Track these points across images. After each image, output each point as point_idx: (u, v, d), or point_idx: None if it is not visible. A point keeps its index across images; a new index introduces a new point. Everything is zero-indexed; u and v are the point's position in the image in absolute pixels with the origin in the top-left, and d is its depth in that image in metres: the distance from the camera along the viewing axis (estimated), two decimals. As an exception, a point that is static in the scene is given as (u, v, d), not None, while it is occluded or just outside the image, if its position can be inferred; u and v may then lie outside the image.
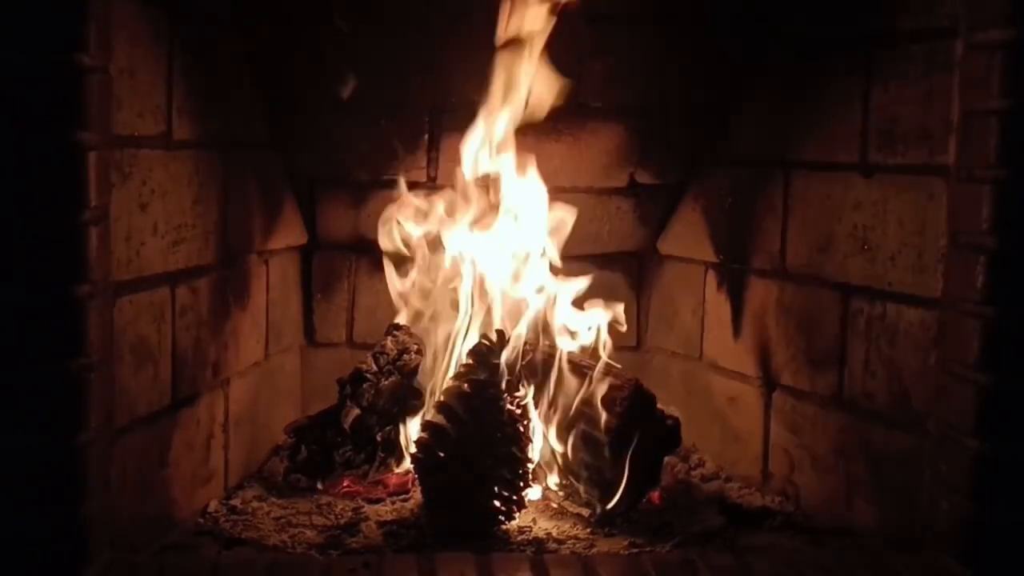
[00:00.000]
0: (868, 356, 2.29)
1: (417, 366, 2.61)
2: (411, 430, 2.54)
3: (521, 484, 2.31)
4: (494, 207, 2.66)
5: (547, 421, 2.45)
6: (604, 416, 2.36)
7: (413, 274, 2.72)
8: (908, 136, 2.18)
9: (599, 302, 2.58)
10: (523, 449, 2.33)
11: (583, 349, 2.52)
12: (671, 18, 2.66)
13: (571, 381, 2.43)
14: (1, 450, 1.80)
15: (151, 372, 2.11)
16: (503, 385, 2.35)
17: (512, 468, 2.30)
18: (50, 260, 1.80)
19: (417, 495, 2.43)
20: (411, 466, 2.40)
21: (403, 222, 2.70)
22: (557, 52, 2.55)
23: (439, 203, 2.69)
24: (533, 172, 2.63)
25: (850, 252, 2.34)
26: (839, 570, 2.05)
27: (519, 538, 2.26)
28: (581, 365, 2.46)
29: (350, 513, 2.38)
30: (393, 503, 2.45)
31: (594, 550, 2.22)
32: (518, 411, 2.35)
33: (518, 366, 2.41)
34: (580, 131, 2.84)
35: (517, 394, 2.38)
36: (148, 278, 2.09)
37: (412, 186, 2.77)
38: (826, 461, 2.41)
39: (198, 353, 2.32)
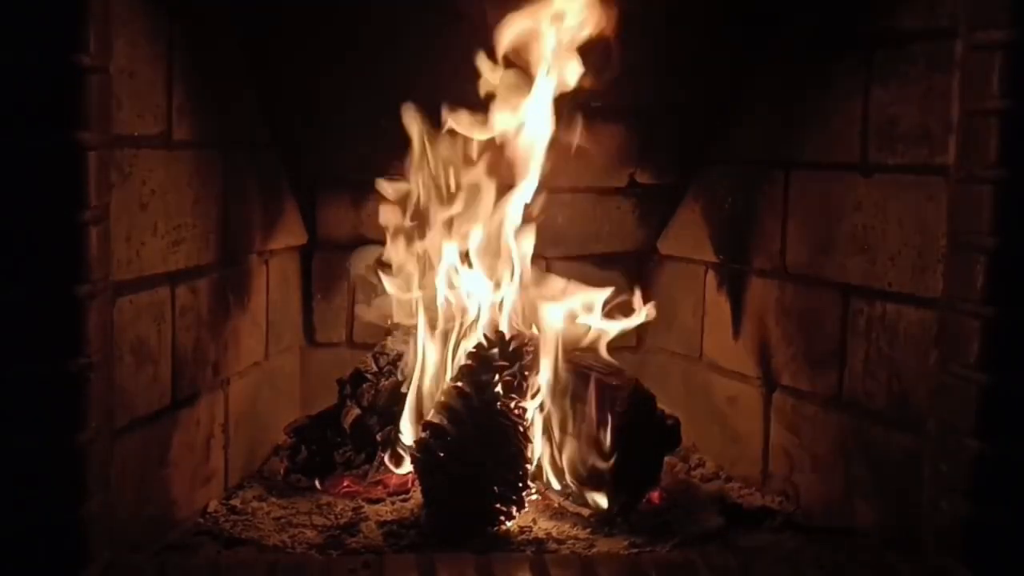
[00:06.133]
0: (868, 356, 2.29)
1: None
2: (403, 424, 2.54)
3: (521, 484, 2.31)
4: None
5: (547, 421, 2.45)
6: (604, 416, 2.36)
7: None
8: (908, 136, 2.18)
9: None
10: (523, 449, 2.33)
11: (583, 349, 2.52)
12: (671, 18, 2.66)
13: (571, 381, 2.43)
14: (1, 450, 1.80)
15: (151, 372, 2.12)
16: (503, 385, 2.35)
17: (512, 468, 2.30)
18: (50, 260, 1.80)
19: (417, 495, 2.43)
20: (411, 466, 2.41)
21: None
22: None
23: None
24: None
25: (850, 252, 2.34)
26: (839, 570, 2.05)
27: (519, 538, 2.27)
28: (581, 365, 2.46)
29: (350, 513, 2.38)
30: (393, 503, 2.45)
31: (594, 550, 2.22)
32: (517, 411, 2.35)
33: (518, 366, 2.41)
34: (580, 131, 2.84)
35: (516, 394, 2.38)
36: (148, 278, 2.09)
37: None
38: (826, 461, 2.41)
39: (198, 353, 2.32)
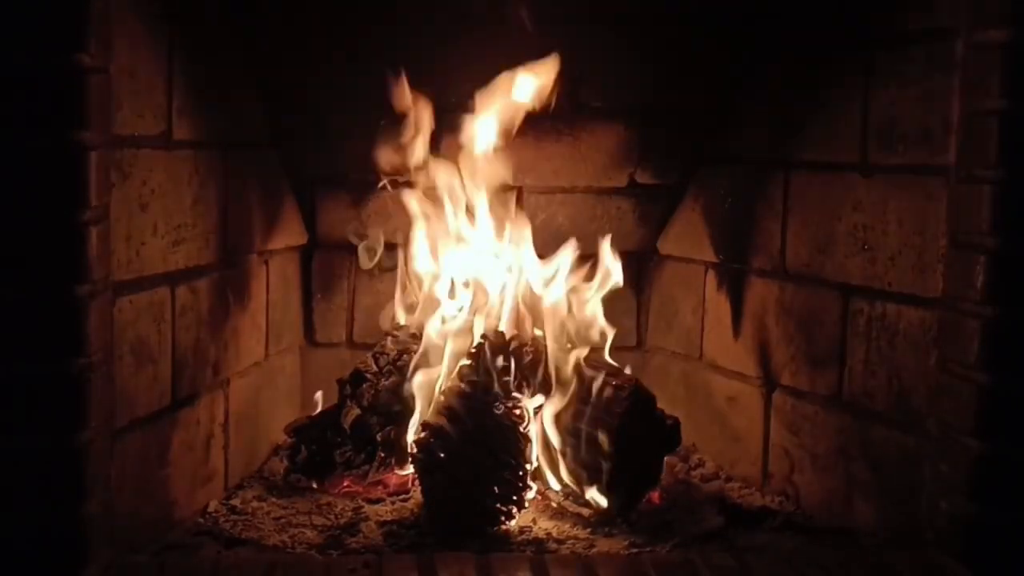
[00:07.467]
0: (868, 356, 2.29)
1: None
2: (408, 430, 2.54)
3: (521, 484, 2.31)
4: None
5: (547, 421, 2.45)
6: (604, 416, 2.36)
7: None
8: (908, 136, 2.18)
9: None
10: (523, 449, 2.33)
11: (583, 350, 2.52)
12: (672, 18, 2.66)
13: (571, 381, 2.43)
14: (1, 450, 1.80)
15: (151, 372, 2.12)
16: (503, 385, 2.35)
17: (512, 468, 2.30)
18: (50, 260, 1.80)
19: (417, 495, 2.43)
20: (411, 466, 2.40)
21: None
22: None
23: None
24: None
25: (850, 252, 2.34)
26: (839, 570, 2.05)
27: (519, 538, 2.26)
28: (581, 365, 2.45)
29: (350, 513, 2.38)
30: (393, 503, 2.45)
31: (594, 550, 2.22)
32: (517, 411, 2.35)
33: (518, 366, 2.41)
34: (580, 131, 2.85)
35: (516, 395, 2.38)
36: (148, 278, 2.10)
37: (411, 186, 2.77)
38: (826, 461, 2.41)
39: (198, 353, 2.32)
